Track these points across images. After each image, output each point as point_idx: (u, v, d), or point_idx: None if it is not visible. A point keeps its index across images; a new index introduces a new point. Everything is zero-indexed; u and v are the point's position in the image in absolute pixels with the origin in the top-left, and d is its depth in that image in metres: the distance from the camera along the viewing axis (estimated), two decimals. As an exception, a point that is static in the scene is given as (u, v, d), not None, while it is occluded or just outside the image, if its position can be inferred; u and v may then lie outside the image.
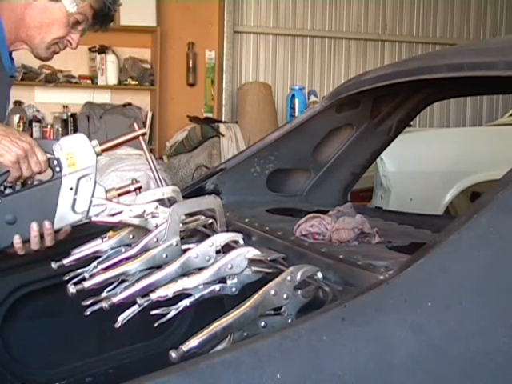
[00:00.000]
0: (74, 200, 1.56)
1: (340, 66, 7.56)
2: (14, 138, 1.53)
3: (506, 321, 0.95)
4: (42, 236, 1.55)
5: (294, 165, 2.15)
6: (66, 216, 1.57)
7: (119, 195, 1.63)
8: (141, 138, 1.70)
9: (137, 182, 1.67)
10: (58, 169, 1.56)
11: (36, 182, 1.59)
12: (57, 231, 1.59)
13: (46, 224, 1.54)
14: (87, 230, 1.78)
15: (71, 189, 1.55)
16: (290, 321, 1.07)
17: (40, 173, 1.58)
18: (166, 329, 2.10)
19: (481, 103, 8.00)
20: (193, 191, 2.00)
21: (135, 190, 1.66)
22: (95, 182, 1.58)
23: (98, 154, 1.60)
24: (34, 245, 1.56)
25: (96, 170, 1.58)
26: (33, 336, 1.97)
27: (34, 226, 1.53)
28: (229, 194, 2.04)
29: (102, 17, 1.89)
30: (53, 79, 6.50)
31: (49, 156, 1.57)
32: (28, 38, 1.85)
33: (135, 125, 1.75)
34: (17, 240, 1.54)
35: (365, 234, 1.41)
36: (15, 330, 1.93)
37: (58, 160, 1.56)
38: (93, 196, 1.57)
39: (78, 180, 1.56)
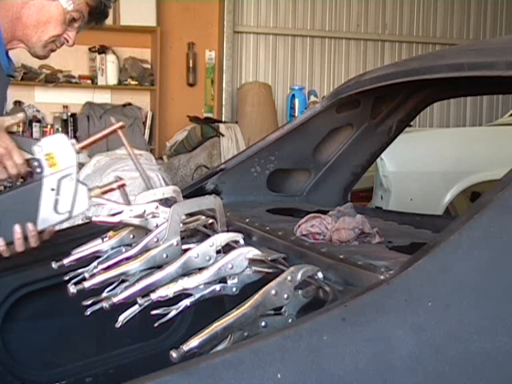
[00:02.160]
0: (57, 200, 1.54)
1: (340, 66, 7.57)
2: None
3: (506, 321, 0.95)
4: (26, 238, 1.55)
5: (295, 165, 2.15)
6: (49, 217, 1.55)
7: (103, 193, 1.62)
8: (119, 131, 1.68)
9: (120, 179, 1.66)
10: (38, 170, 1.55)
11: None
12: (41, 232, 1.58)
13: (29, 226, 1.53)
14: (87, 230, 1.78)
15: (52, 189, 1.54)
16: (290, 321, 1.08)
17: (20, 175, 1.57)
18: (166, 329, 2.10)
19: (481, 103, 8.01)
20: (193, 191, 2.00)
21: (119, 187, 1.65)
22: (77, 182, 1.56)
23: (76, 152, 1.58)
24: (19, 247, 1.55)
25: (77, 169, 1.57)
26: (33, 336, 1.97)
27: (17, 229, 1.52)
28: (229, 193, 2.04)
29: (98, 14, 1.89)
30: (53, 79, 6.51)
31: (29, 157, 1.56)
32: (25, 37, 1.85)
33: (112, 118, 1.74)
34: (0, 243, 1.54)
35: (365, 234, 1.41)
36: (15, 331, 1.93)
37: (39, 161, 1.55)
38: (75, 195, 1.56)
39: (60, 180, 1.54)
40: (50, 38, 1.85)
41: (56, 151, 1.55)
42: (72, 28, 1.87)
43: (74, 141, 1.59)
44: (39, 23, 1.83)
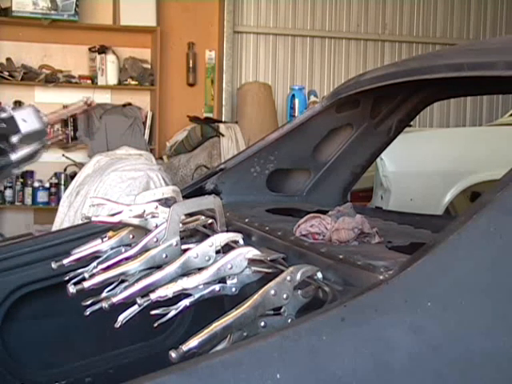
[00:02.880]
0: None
1: (340, 66, 7.56)
2: None
3: (506, 321, 0.95)
4: None
5: (294, 165, 2.15)
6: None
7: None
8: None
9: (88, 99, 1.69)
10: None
11: None
12: None
13: None
14: (87, 230, 1.78)
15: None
16: (289, 321, 1.07)
17: None
18: (165, 329, 2.10)
19: (481, 103, 8.00)
20: (193, 191, 2.00)
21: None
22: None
23: (46, 126, 1.61)
24: None
25: (46, 144, 1.59)
26: (33, 336, 1.97)
27: None
28: (229, 194, 2.04)
29: None
30: (53, 79, 6.50)
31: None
32: None
33: (83, 97, 1.77)
34: None
35: (365, 234, 1.41)
36: (15, 330, 1.93)
37: (13, 146, 1.57)
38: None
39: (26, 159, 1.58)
40: None
41: (30, 134, 1.56)
42: None
43: (44, 113, 1.61)
44: None
